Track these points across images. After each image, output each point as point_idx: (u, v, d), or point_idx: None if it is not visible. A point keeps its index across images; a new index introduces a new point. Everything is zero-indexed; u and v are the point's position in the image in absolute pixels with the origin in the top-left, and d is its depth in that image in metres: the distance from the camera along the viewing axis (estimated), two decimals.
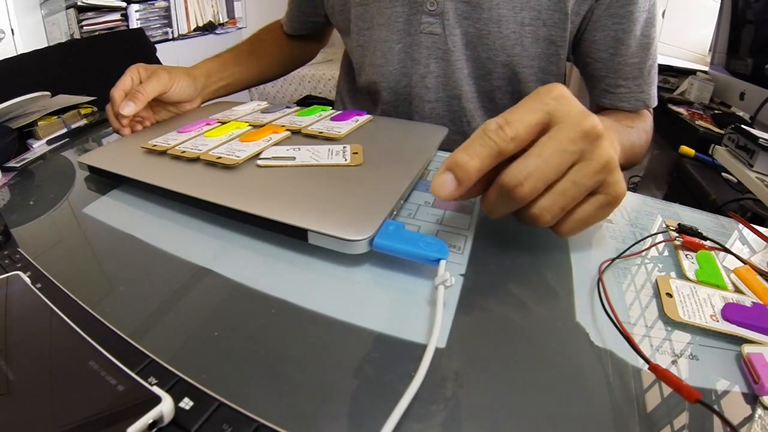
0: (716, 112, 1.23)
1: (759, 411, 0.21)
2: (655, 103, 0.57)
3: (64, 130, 0.56)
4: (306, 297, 0.27)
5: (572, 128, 0.25)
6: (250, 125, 0.47)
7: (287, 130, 0.45)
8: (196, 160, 0.39)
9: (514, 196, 0.26)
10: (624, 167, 0.53)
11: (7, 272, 0.25)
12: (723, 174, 0.88)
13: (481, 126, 0.26)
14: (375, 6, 0.58)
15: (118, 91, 0.48)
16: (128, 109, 0.46)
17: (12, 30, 1.50)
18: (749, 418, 0.21)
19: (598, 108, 0.60)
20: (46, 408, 0.18)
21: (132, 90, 0.48)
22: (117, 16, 1.80)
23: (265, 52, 0.74)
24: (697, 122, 1.14)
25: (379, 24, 0.59)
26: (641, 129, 0.55)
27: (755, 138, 0.76)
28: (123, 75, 0.49)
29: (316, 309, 0.26)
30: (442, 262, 0.27)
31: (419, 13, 0.56)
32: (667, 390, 0.22)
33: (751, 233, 0.37)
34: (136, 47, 1.27)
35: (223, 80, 0.64)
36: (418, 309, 0.26)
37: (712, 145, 0.90)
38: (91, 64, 1.07)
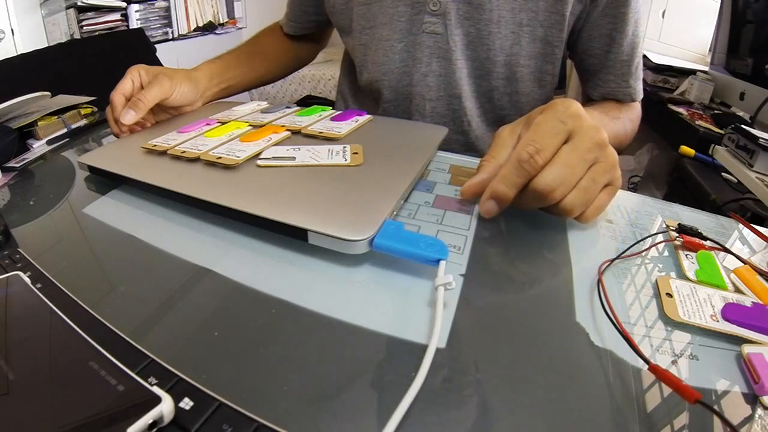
0: (716, 112, 1.23)
1: (759, 411, 0.21)
2: (641, 96, 0.63)
3: (64, 130, 0.56)
4: (306, 297, 0.27)
5: (588, 140, 0.31)
6: (250, 125, 0.47)
7: (287, 130, 0.45)
8: (196, 160, 0.39)
9: (547, 199, 0.31)
10: None
11: (7, 272, 0.25)
12: (723, 174, 0.88)
13: (515, 155, 0.32)
14: (378, 5, 0.59)
15: (118, 96, 0.48)
16: (129, 117, 0.46)
17: (12, 30, 1.50)
18: (749, 418, 0.21)
19: (587, 99, 0.65)
20: (46, 408, 0.18)
21: (133, 97, 0.48)
22: (117, 16, 1.80)
23: (266, 53, 0.74)
24: (697, 122, 1.14)
25: (381, 23, 0.59)
26: (627, 119, 0.60)
27: (755, 138, 0.76)
28: (123, 77, 0.49)
29: (316, 309, 0.26)
30: (442, 263, 0.27)
31: (422, 13, 0.56)
32: (668, 390, 0.22)
33: (751, 233, 0.37)
34: (136, 47, 1.26)
35: (224, 82, 0.63)
36: (418, 309, 0.26)
37: (712, 145, 0.90)
38: (91, 64, 1.07)
